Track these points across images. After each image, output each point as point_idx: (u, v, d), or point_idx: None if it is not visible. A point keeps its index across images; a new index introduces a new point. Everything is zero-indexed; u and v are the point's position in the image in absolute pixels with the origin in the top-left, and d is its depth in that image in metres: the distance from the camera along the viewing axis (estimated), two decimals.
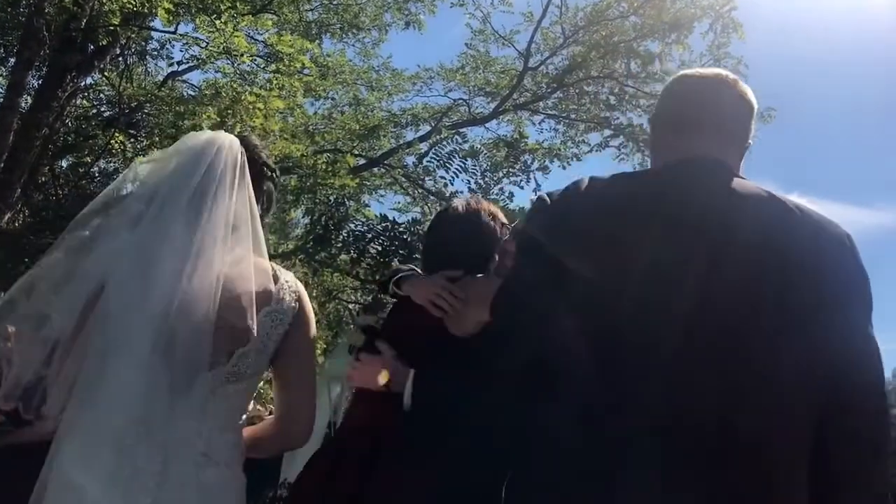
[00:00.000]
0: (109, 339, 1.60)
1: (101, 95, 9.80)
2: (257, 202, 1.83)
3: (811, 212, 1.54)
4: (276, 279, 1.81)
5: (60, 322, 1.62)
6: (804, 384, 1.41)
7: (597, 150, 10.51)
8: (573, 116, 10.57)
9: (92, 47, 8.38)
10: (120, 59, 9.51)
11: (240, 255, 1.73)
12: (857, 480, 1.44)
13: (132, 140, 8.08)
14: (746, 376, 1.37)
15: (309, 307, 1.88)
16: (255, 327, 1.72)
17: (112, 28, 7.85)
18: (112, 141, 7.79)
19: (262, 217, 1.86)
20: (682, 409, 1.36)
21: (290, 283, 1.84)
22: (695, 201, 1.52)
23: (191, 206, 1.71)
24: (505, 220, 2.32)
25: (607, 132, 10.43)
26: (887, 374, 1.92)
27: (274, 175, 1.99)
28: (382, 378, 2.10)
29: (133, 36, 8.93)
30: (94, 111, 9.56)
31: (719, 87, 1.70)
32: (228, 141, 1.82)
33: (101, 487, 1.55)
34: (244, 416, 1.84)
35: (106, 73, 9.48)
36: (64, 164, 9.56)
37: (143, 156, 7.76)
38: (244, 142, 1.88)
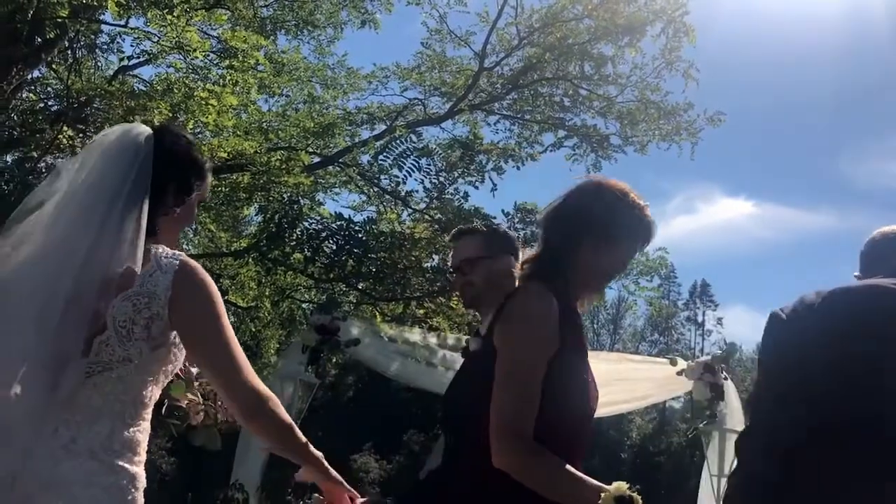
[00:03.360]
0: None
1: (49, 89, 9.59)
2: (166, 189, 1.87)
3: None
4: (152, 264, 1.78)
5: None
6: None
7: (551, 151, 10.63)
8: (528, 117, 10.65)
9: (39, 40, 8.20)
10: (68, 52, 9.32)
11: (113, 240, 1.75)
12: None
13: (81, 135, 7.91)
14: None
15: (196, 287, 1.82)
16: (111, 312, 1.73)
17: (60, 20, 7.69)
18: (60, 136, 7.62)
19: (175, 203, 1.91)
20: None
21: (170, 261, 1.80)
22: None
23: (87, 193, 1.77)
24: None
25: (562, 133, 10.54)
26: None
27: (199, 162, 2.00)
28: None
29: (82, 29, 8.76)
30: (42, 105, 9.36)
31: None
32: (138, 132, 1.87)
33: None
34: (142, 405, 1.82)
35: (54, 67, 9.29)
36: (9, 158, 9.35)
37: None
38: (164, 130, 1.93)
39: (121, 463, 1.74)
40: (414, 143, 9.73)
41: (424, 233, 9.50)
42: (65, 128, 7.63)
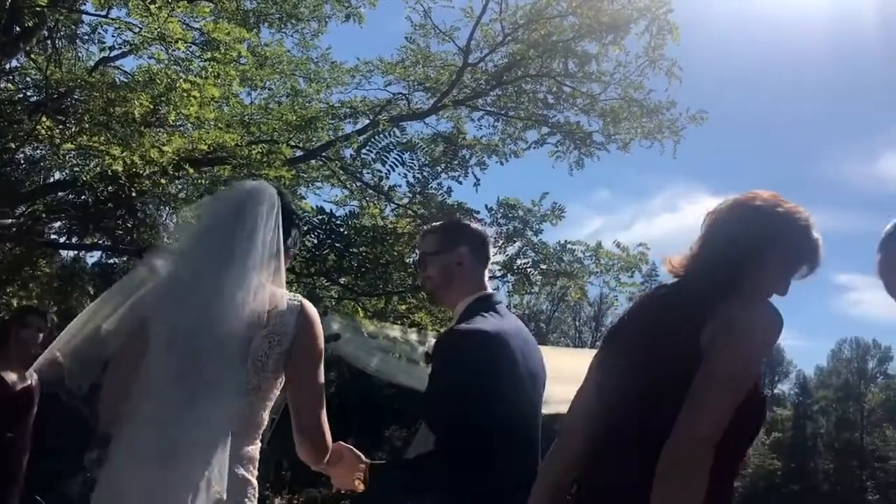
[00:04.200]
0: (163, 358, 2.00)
1: (28, 79, 9.48)
2: (285, 241, 2.21)
3: None
4: (280, 305, 2.12)
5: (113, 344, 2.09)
6: None
7: (534, 147, 10.64)
8: (511, 114, 10.65)
9: (17, 29, 8.10)
10: (48, 42, 9.21)
11: (260, 283, 2.09)
12: None
13: (60, 126, 7.83)
14: None
15: (313, 328, 2.17)
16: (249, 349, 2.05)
17: (39, 9, 7.60)
18: (39, 126, 7.53)
19: (288, 251, 2.25)
20: None
21: (293, 305, 2.15)
22: None
23: (238, 242, 2.10)
24: None
25: (545, 129, 10.55)
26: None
27: (299, 221, 2.43)
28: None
29: (62, 18, 8.66)
30: (20, 95, 9.25)
31: None
32: (270, 189, 2.24)
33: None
34: (259, 426, 2.15)
35: (33, 56, 9.18)
36: None
37: (72, 143, 7.59)
38: (279, 193, 2.28)
39: (247, 475, 2.09)
40: (397, 137, 9.72)
41: (407, 228, 9.48)
42: (43, 119, 7.54)
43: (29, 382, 4.42)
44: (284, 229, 2.20)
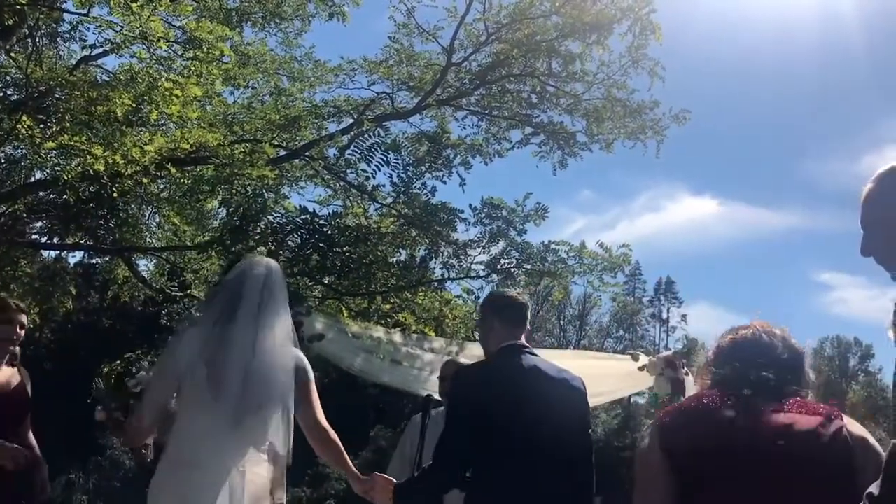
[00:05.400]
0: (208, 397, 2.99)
1: (8, 77, 9.38)
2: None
3: None
4: (295, 359, 3.17)
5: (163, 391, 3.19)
6: None
7: (518, 147, 10.66)
8: (495, 113, 10.66)
9: None
10: (28, 40, 9.13)
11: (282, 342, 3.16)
12: None
13: (41, 125, 7.76)
14: None
15: (309, 370, 3.21)
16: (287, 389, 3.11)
17: (20, 7, 7.53)
18: (19, 125, 7.46)
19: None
20: None
21: (300, 359, 3.20)
22: None
23: (259, 310, 3.10)
24: None
25: (529, 129, 10.57)
26: None
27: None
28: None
29: (42, 17, 8.59)
30: (0, 94, 9.16)
31: None
32: (274, 265, 3.29)
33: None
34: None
35: (13, 55, 9.09)
36: None
37: (53, 142, 7.53)
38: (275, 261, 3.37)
39: (267, 470, 3.14)
40: (382, 136, 9.70)
41: (391, 227, 9.47)
42: (24, 118, 7.46)
43: (19, 381, 4.28)
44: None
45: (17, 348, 4.37)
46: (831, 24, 69.42)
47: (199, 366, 2.99)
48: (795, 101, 74.66)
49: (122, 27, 7.21)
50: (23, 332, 4.32)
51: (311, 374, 3.20)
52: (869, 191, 2.07)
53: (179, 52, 7.94)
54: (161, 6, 7.29)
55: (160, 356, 3.31)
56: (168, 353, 3.24)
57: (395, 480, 3.35)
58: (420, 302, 9.53)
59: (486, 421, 3.08)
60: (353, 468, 3.43)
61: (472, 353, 7.00)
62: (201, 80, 7.66)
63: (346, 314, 9.20)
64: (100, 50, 8.71)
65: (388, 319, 9.37)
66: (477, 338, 3.82)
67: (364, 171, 9.54)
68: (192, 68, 7.66)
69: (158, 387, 3.19)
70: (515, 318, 3.44)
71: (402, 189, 9.69)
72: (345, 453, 3.36)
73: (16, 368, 4.30)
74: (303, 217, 9.04)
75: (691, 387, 6.87)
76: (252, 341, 3.01)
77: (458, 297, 9.95)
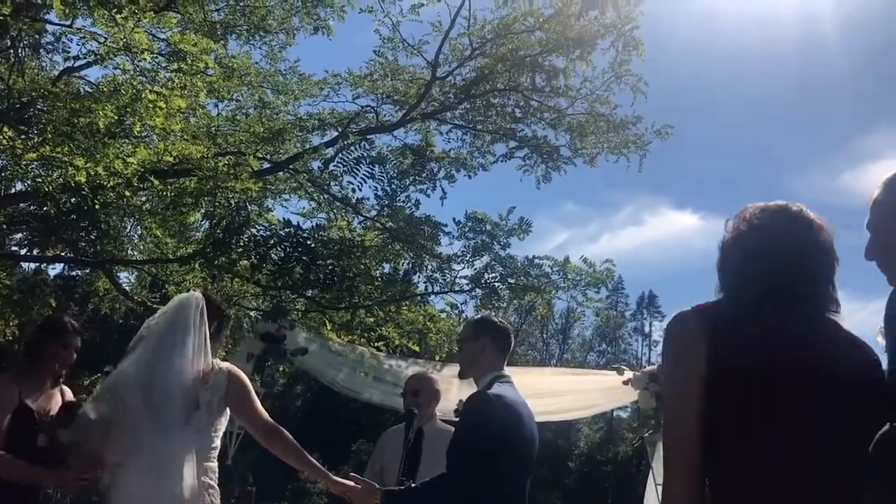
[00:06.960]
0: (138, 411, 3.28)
1: None
2: (210, 327, 3.46)
3: None
4: (213, 369, 3.39)
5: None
6: None
7: (502, 161, 10.70)
8: (480, 127, 10.70)
9: None
10: (10, 51, 9.07)
11: (198, 360, 3.36)
12: None
13: (23, 136, 7.70)
14: None
15: (239, 380, 3.46)
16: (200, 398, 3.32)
17: (2, 18, 7.48)
18: (0, 136, 7.40)
19: (215, 334, 3.56)
20: None
21: (223, 369, 3.43)
22: None
23: (178, 335, 3.38)
24: None
25: (513, 143, 10.62)
26: None
27: (224, 312, 3.81)
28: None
29: (25, 28, 8.54)
30: None
31: None
32: (195, 297, 3.51)
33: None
34: (214, 449, 3.39)
35: None
36: None
37: (35, 153, 7.47)
38: (205, 295, 3.58)
39: (209, 481, 3.29)
40: (367, 150, 9.70)
41: (375, 240, 9.46)
42: (5, 128, 7.40)
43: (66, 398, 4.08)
44: (210, 320, 3.48)
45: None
46: (811, 43, 70.35)
47: (133, 392, 3.32)
48: (775, 117, 75.48)
49: (106, 38, 7.17)
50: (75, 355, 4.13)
51: (243, 381, 3.46)
52: (876, 196, 2.09)
53: (163, 64, 7.91)
54: (145, 18, 7.27)
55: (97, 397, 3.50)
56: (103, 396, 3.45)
57: (377, 486, 3.37)
58: (404, 315, 9.51)
59: (505, 451, 3.22)
60: (322, 467, 3.60)
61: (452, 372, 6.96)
62: (185, 92, 7.63)
63: (329, 327, 9.17)
64: (83, 61, 8.68)
65: (372, 333, 9.35)
66: (458, 352, 3.73)
67: (350, 182, 9.54)
68: (176, 80, 7.63)
69: (99, 427, 3.35)
70: (506, 348, 3.59)
71: (387, 202, 9.68)
72: (303, 451, 3.49)
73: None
74: (286, 230, 9.01)
75: None
76: (169, 368, 3.34)
77: (441, 311, 9.95)
